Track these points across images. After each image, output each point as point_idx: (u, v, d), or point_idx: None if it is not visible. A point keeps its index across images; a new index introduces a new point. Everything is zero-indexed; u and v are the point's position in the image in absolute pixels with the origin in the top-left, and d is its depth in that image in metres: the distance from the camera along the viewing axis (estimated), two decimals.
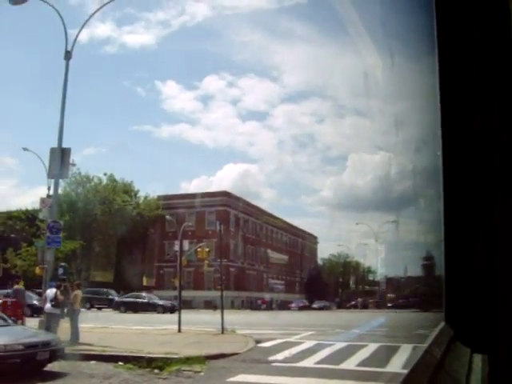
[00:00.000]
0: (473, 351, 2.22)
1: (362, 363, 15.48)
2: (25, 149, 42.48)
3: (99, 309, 50.11)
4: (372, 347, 18.61)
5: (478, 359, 2.14)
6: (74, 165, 45.13)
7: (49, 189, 29.83)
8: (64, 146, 24.23)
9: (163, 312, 45.37)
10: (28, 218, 62.75)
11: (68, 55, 24.79)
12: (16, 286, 25.48)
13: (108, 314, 44.14)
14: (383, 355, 16.40)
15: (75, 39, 25.72)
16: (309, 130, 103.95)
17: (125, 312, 46.08)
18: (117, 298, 51.17)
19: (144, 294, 52.98)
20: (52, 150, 24.15)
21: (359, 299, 70.15)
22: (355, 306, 67.25)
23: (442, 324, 2.36)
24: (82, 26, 27.00)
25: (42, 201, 29.22)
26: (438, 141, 2.53)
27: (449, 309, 2.39)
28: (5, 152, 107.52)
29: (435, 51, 2.52)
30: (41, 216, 32.83)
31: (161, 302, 49.55)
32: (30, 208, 63.07)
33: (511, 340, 2.28)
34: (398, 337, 20.96)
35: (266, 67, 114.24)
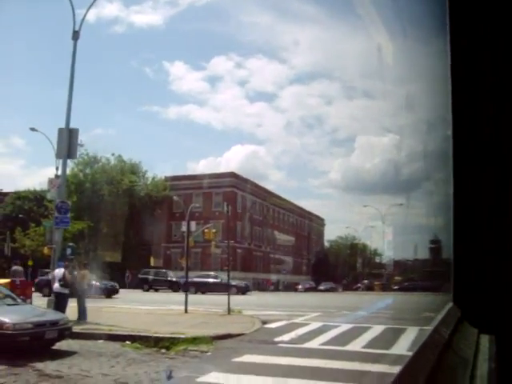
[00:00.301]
0: (480, 332, 2.23)
1: (368, 345, 15.54)
2: (32, 129, 42.40)
3: (156, 290, 49.88)
4: (378, 329, 18.66)
5: (485, 339, 2.15)
6: (81, 145, 45.18)
7: (57, 169, 29.95)
8: (72, 126, 24.23)
9: (236, 293, 40.98)
10: (36, 198, 63.11)
11: (76, 35, 24.66)
12: (14, 267, 25.57)
13: (170, 295, 42.91)
14: (389, 337, 16.45)
15: (83, 19, 25.53)
16: (317, 111, 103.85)
17: (195, 293, 42.08)
18: (181, 279, 46.98)
19: (212, 273, 50.25)
20: (60, 131, 24.14)
21: (365, 281, 70.22)
22: (361, 289, 67.33)
23: (450, 305, 2.37)
24: (90, 6, 26.72)
25: (50, 181, 29.22)
26: (448, 123, 2.51)
27: (457, 290, 2.40)
28: (13, 132, 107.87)
29: (447, 33, 2.50)
30: (49, 196, 32.91)
31: (234, 283, 43.54)
32: (38, 188, 63.44)
33: None
34: (405, 319, 21.00)
35: (275, 48, 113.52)
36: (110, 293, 37.04)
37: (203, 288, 45.28)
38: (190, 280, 41.13)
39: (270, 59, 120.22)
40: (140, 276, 53.20)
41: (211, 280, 46.75)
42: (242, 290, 44.37)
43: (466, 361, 1.69)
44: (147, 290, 49.97)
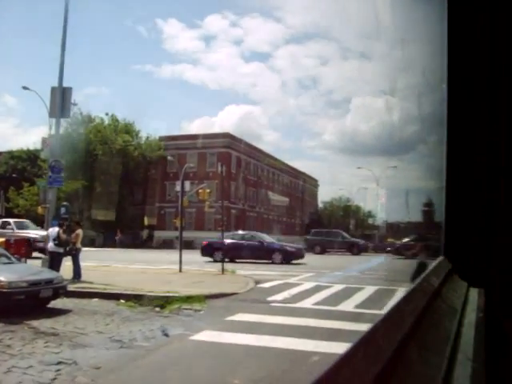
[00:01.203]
0: (470, 285, 2.27)
1: (360, 305, 15.74)
2: (25, 87, 41.90)
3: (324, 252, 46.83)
4: (370, 290, 18.88)
5: (474, 292, 2.19)
6: (75, 104, 44.74)
7: (50, 128, 29.70)
8: (65, 85, 23.98)
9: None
10: (30, 157, 62.86)
11: None
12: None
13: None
14: (381, 298, 16.65)
15: None
16: (312, 72, 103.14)
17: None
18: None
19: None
20: (53, 89, 23.90)
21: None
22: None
23: (441, 258, 2.41)
24: None
25: (44, 140, 29.02)
26: (443, 87, 2.51)
27: (448, 243, 2.44)
28: (4, 91, 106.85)
29: None
30: (42, 156, 32.76)
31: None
32: (31, 148, 63.11)
33: (507, 276, 2.34)
34: (396, 280, 21.22)
35: (270, 7, 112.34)
36: None
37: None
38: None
39: (266, 18, 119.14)
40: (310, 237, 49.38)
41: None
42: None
43: (454, 310, 1.73)
44: (320, 253, 45.89)
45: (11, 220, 37.70)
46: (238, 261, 32.14)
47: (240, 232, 39.64)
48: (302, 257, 33.87)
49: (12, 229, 34.66)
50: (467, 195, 2.40)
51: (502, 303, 2.24)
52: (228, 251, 31.58)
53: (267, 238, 36.69)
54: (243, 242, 35.07)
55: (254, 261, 32.44)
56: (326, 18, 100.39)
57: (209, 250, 34.97)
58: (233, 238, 35.14)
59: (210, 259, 33.26)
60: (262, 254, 33.44)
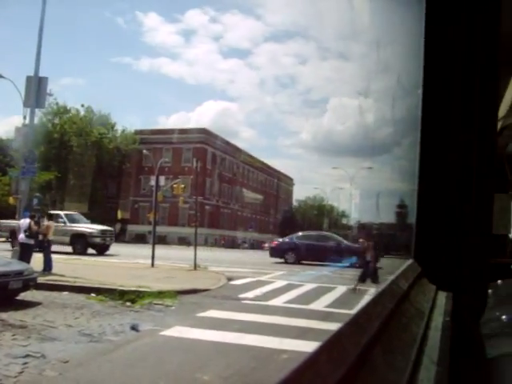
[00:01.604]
0: (438, 288, 2.30)
1: (331, 305, 15.83)
2: None
3: None
4: (341, 289, 18.99)
5: (442, 296, 2.22)
6: (51, 95, 44.29)
7: (24, 118, 29.34)
8: (41, 74, 23.74)
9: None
10: (1, 147, 62.02)
11: None
12: None
13: None
14: (352, 297, 16.77)
15: None
16: (291, 70, 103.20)
17: None
18: None
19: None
20: (28, 79, 23.66)
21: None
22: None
23: (410, 261, 2.43)
24: None
25: (17, 130, 28.75)
26: (418, 90, 2.54)
27: (418, 247, 2.46)
28: None
29: None
30: (15, 145, 32.41)
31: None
32: (4, 137, 62.28)
33: (475, 280, 2.38)
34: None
35: (251, 4, 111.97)
36: None
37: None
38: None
39: (246, 15, 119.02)
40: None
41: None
42: None
43: (422, 313, 1.75)
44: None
45: (62, 212, 35.50)
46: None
47: (312, 233, 36.64)
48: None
49: (64, 222, 32.80)
50: (438, 199, 2.43)
51: (470, 307, 2.28)
52: (300, 253, 30.92)
53: (342, 240, 34.13)
54: (316, 242, 31.99)
55: (327, 263, 29.16)
56: (305, 17, 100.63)
57: (279, 251, 32.56)
58: (304, 239, 32.81)
59: (280, 260, 31.47)
60: (338, 256, 30.02)
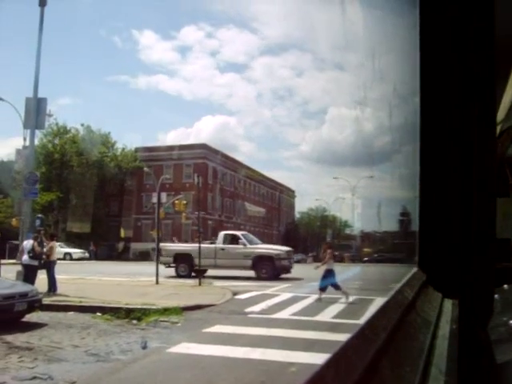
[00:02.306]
0: (444, 296, 2.28)
1: (337, 315, 15.76)
2: None
3: None
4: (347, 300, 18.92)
5: (448, 303, 2.20)
6: (50, 115, 44.48)
7: (25, 140, 29.44)
8: (39, 95, 23.82)
9: None
10: (3, 169, 62.10)
11: (43, 2, 24.15)
12: None
13: None
14: (358, 308, 16.70)
15: None
16: (288, 83, 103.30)
17: None
18: None
19: None
20: (27, 100, 23.73)
21: (335, 253, 70.64)
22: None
23: (415, 269, 2.42)
24: None
25: (18, 152, 28.85)
26: (416, 97, 2.53)
27: (422, 255, 2.45)
28: None
29: (417, 5, 2.51)
30: (16, 167, 32.46)
31: None
32: (5, 159, 62.41)
33: (481, 286, 2.36)
34: (373, 290, 21.29)
35: (246, 18, 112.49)
36: None
37: None
38: None
39: (241, 29, 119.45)
40: None
41: None
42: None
43: (429, 322, 1.73)
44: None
45: (239, 233, 33.19)
46: None
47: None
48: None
49: (244, 244, 30.14)
50: (440, 206, 2.41)
51: (476, 313, 2.26)
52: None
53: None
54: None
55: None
56: (300, 29, 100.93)
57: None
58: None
59: None
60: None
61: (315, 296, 19.21)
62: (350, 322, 13.91)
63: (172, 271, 29.54)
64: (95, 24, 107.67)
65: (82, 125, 66.02)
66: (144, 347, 11.63)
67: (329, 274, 19.41)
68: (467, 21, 2.43)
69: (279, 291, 22.18)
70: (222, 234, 32.36)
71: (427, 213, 2.44)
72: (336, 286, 19.09)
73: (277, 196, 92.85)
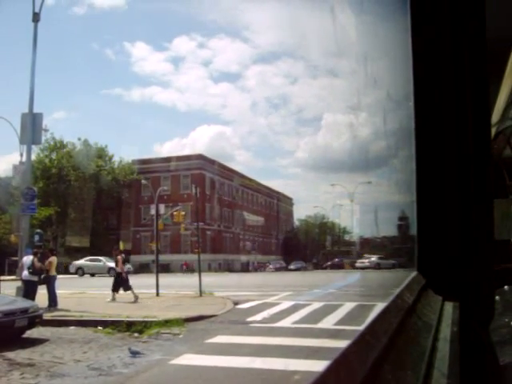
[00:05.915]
0: (444, 299, 2.28)
1: (339, 322, 15.73)
2: None
3: None
4: (348, 306, 18.88)
5: (449, 306, 2.20)
6: (46, 130, 44.48)
7: (21, 155, 29.41)
8: (35, 110, 23.82)
9: None
10: (0, 185, 62.04)
11: (36, 17, 24.21)
12: None
13: None
14: (359, 314, 16.67)
15: (43, 1, 25.05)
16: (282, 91, 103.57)
17: None
18: None
19: None
20: (23, 116, 23.74)
21: (335, 259, 70.68)
22: (331, 266, 67.69)
23: (415, 273, 2.41)
24: None
25: (15, 167, 28.83)
26: (410, 101, 2.54)
27: (421, 259, 2.44)
28: None
29: (408, 9, 2.52)
30: (14, 183, 32.44)
31: None
32: (2, 175, 62.39)
33: (481, 289, 2.35)
34: (374, 296, 21.27)
35: (237, 27, 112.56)
36: None
37: None
38: None
39: (233, 38, 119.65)
40: None
41: None
42: None
43: (430, 326, 1.73)
44: None
45: None
46: None
47: None
48: None
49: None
50: (438, 209, 2.42)
51: (477, 315, 2.26)
52: None
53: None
54: None
55: None
56: (292, 36, 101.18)
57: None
58: None
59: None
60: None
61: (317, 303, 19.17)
62: (350, 328, 13.89)
63: (170, 283, 29.45)
64: (88, 37, 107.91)
65: (79, 139, 66.15)
66: (133, 353, 11.67)
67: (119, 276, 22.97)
68: (459, 24, 2.44)
69: (280, 300, 22.13)
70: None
71: (425, 216, 2.44)
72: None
73: (275, 204, 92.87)
